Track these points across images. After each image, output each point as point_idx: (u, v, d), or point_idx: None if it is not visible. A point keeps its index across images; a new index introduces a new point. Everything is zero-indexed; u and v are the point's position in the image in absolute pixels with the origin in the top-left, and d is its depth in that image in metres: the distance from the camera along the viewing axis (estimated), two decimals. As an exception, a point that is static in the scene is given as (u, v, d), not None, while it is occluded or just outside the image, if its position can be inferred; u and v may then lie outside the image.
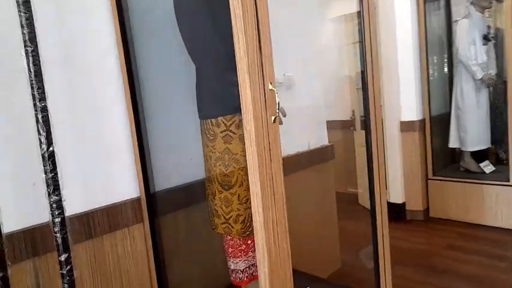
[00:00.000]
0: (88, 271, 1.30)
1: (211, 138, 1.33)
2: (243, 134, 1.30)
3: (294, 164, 2.08)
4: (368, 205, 3.78)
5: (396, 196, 3.43)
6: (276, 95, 0.96)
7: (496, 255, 2.56)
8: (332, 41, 4.00)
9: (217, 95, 1.31)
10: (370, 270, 1.49)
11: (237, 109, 1.29)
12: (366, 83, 1.31)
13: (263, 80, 0.94)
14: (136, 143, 1.37)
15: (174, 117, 1.52)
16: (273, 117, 0.96)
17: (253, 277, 1.38)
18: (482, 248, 2.69)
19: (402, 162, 3.41)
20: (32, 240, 1.16)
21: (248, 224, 1.36)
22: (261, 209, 0.95)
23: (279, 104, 0.96)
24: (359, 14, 1.27)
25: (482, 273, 2.34)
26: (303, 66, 2.17)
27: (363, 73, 1.31)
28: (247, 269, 1.37)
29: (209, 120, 1.33)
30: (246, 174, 1.33)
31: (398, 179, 3.41)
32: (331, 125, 3.82)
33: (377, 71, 1.35)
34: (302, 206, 2.12)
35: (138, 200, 1.42)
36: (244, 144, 1.32)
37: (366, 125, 1.34)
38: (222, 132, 1.30)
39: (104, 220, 1.33)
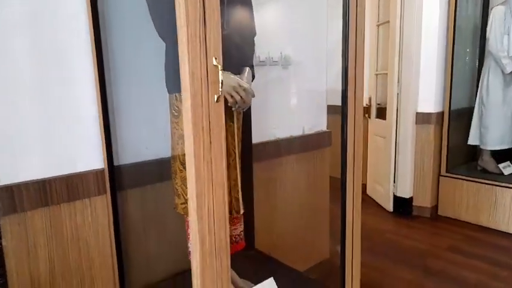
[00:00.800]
0: (43, 238, 1.30)
1: (176, 114, 1.26)
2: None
3: (284, 148, 1.99)
4: (375, 196, 3.64)
5: (404, 190, 3.27)
6: (220, 71, 0.86)
7: (499, 262, 2.40)
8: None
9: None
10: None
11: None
12: (346, 77, 1.18)
13: (206, 54, 0.85)
14: (101, 112, 1.32)
15: (146, 89, 1.46)
16: (215, 96, 0.87)
17: (211, 261, 1.33)
18: (486, 254, 2.52)
19: (414, 156, 3.23)
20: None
21: (208, 206, 1.29)
22: (194, 194, 0.88)
23: (222, 82, 0.87)
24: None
25: (477, 279, 2.20)
26: (306, 45, 2.03)
27: (344, 68, 1.18)
28: (205, 252, 1.32)
29: (174, 94, 1.26)
30: (209, 155, 1.26)
31: (407, 172, 3.24)
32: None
33: (361, 68, 1.22)
34: (290, 191, 2.04)
35: (102, 171, 1.38)
36: (208, 123, 1.26)
37: (342, 111, 1.22)
38: (185, 108, 1.22)
39: (62, 188, 1.31)
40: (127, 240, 1.47)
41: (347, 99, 1.21)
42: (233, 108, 1.25)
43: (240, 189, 1.39)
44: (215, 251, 0.94)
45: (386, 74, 3.28)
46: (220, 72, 0.86)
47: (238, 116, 1.37)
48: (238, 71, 1.31)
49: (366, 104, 3.65)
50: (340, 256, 1.41)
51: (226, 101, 1.24)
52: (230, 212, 1.37)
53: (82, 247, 1.38)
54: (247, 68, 1.32)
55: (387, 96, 3.28)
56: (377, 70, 3.54)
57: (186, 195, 1.29)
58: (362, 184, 3.87)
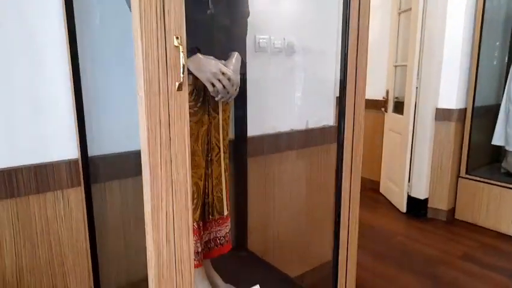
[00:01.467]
0: (9, 232, 1.20)
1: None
2: (189, 101, 1.09)
3: (284, 143, 1.84)
4: (389, 195, 3.46)
5: (419, 190, 3.07)
6: (182, 53, 0.72)
7: (518, 276, 2.20)
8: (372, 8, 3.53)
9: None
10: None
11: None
12: (345, 65, 1.02)
13: (164, 32, 0.71)
14: (74, 96, 1.20)
15: (127, 71, 1.32)
16: (177, 83, 0.73)
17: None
18: (503, 265, 2.32)
19: (432, 154, 3.01)
20: None
21: (186, 206, 1.17)
22: (149, 198, 0.75)
23: (183, 66, 0.72)
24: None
25: (493, 295, 2.02)
26: (314, 32, 1.86)
27: (344, 55, 1.02)
28: (182, 256, 1.19)
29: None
30: (187, 149, 1.13)
31: (423, 172, 3.04)
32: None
33: (365, 55, 1.05)
34: (289, 189, 1.89)
35: (76, 161, 1.27)
36: (187, 114, 1.12)
37: (340, 103, 1.07)
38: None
39: (31, 179, 1.20)
40: (103, 237, 1.36)
41: (346, 90, 1.05)
42: (216, 98, 1.11)
43: (224, 188, 1.25)
44: (175, 263, 0.81)
45: (406, 65, 3.06)
46: (181, 54, 0.72)
47: (225, 106, 1.23)
48: (225, 56, 1.16)
49: (383, 98, 3.44)
50: (333, 262, 1.26)
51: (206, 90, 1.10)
52: (212, 214, 1.24)
53: (54, 242, 1.28)
54: (236, 54, 1.17)
55: (406, 90, 3.06)
56: (396, 61, 3.32)
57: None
58: (375, 181, 3.70)
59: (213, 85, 1.07)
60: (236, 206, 1.69)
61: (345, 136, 1.09)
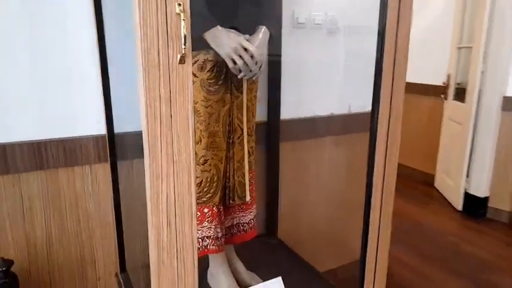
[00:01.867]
0: (40, 202, 1.24)
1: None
2: (209, 78, 1.02)
3: (322, 128, 1.72)
4: (444, 190, 3.19)
5: (479, 187, 2.79)
6: (183, 22, 0.65)
7: None
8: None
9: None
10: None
11: (201, 45, 1.01)
12: (382, 40, 0.90)
13: (165, -2, 0.64)
14: (100, 73, 1.19)
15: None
16: (178, 56, 0.67)
17: (208, 250, 1.17)
18: None
19: (496, 148, 2.71)
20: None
21: (206, 189, 1.12)
22: (148, 177, 0.71)
23: (185, 37, 0.66)
24: None
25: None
26: (361, 7, 1.70)
27: (382, 26, 0.89)
28: (201, 240, 1.16)
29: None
30: (207, 129, 1.08)
31: (485, 167, 2.74)
32: (412, 88, 3.20)
33: (407, 29, 0.92)
34: (325, 177, 1.79)
35: (104, 137, 1.27)
36: (208, 91, 1.06)
37: (375, 84, 0.96)
38: (182, 72, 1.03)
39: (59, 153, 1.22)
40: (128, 213, 1.37)
41: (382, 69, 0.93)
42: (238, 76, 1.03)
43: (247, 173, 1.19)
44: (176, 249, 0.77)
45: (471, 47, 2.74)
46: (183, 23, 0.65)
47: (251, 85, 1.15)
48: (252, 31, 1.07)
49: (444, 83, 3.14)
50: (360, 257, 1.16)
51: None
52: (233, 199, 1.19)
53: (82, 215, 1.31)
54: (263, 28, 1.07)
55: (470, 75, 2.76)
56: (460, 43, 2.99)
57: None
58: (430, 175, 3.43)
59: (234, 62, 0.99)
60: (267, 192, 1.62)
61: (379, 122, 0.97)
